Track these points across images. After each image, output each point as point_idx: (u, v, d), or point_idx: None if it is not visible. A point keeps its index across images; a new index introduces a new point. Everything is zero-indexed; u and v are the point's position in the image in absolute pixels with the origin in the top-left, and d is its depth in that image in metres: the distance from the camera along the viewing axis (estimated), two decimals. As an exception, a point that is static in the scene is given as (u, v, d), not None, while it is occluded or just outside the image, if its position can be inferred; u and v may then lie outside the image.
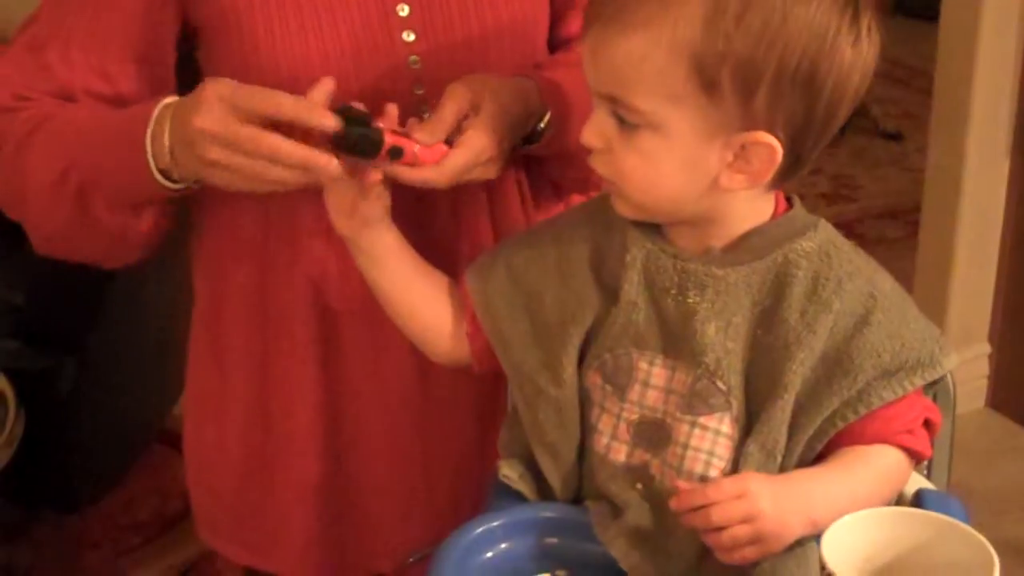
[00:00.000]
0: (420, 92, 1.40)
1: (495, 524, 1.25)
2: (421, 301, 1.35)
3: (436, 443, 1.50)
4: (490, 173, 1.34)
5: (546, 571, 1.24)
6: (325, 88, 1.27)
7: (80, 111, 1.38)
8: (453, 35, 1.41)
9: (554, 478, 1.28)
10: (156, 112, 1.31)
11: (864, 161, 4.18)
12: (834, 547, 1.05)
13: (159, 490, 2.70)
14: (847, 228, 3.74)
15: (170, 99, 1.32)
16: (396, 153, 1.26)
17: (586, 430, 1.27)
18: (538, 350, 1.27)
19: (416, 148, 1.27)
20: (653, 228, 1.26)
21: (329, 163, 1.24)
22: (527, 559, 1.24)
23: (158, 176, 1.31)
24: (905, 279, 3.00)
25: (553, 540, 1.25)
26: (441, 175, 1.29)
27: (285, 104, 1.24)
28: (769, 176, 1.19)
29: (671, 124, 1.17)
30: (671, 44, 1.14)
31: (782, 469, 1.22)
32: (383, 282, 1.35)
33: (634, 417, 1.25)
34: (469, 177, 1.32)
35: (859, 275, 1.24)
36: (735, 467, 1.22)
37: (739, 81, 1.14)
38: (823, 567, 1.04)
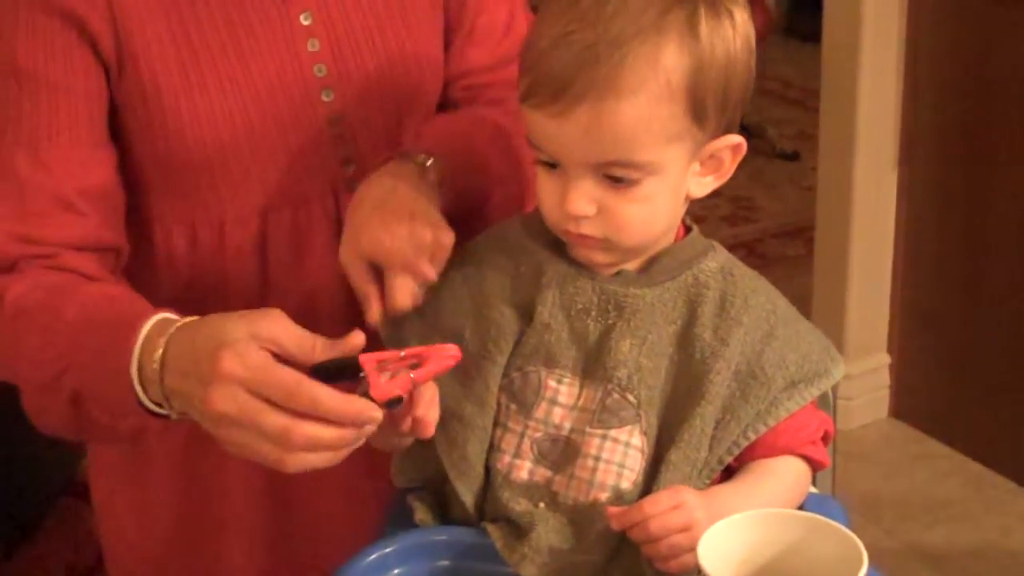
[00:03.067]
0: (343, 151, 1.43)
1: (388, 550, 1.26)
2: None
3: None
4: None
5: (439, 593, 1.26)
6: (358, 342, 1.18)
7: (70, 299, 1.28)
8: (368, 87, 1.42)
9: (467, 497, 1.29)
10: (144, 330, 1.21)
11: (762, 182, 4.24)
12: (710, 551, 1.07)
13: (71, 543, 2.67)
14: (748, 248, 3.78)
15: (158, 316, 1.23)
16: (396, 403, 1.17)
17: (488, 449, 1.29)
18: (460, 386, 1.28)
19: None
20: (566, 252, 1.29)
21: (378, 413, 1.14)
22: (420, 582, 1.26)
23: (148, 404, 1.22)
24: (805, 295, 3.07)
25: (446, 562, 1.27)
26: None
27: (327, 403, 1.12)
28: (733, 170, 1.27)
29: (668, 163, 1.22)
30: (670, 95, 1.19)
31: (698, 479, 1.25)
32: None
33: (538, 435, 1.27)
34: None
35: (760, 292, 1.29)
36: (647, 478, 1.25)
37: (719, 102, 1.21)
38: (699, 571, 1.06)
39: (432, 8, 1.48)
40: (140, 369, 1.20)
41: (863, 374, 3.08)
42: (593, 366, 1.26)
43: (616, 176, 1.21)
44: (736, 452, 1.26)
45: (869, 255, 3.02)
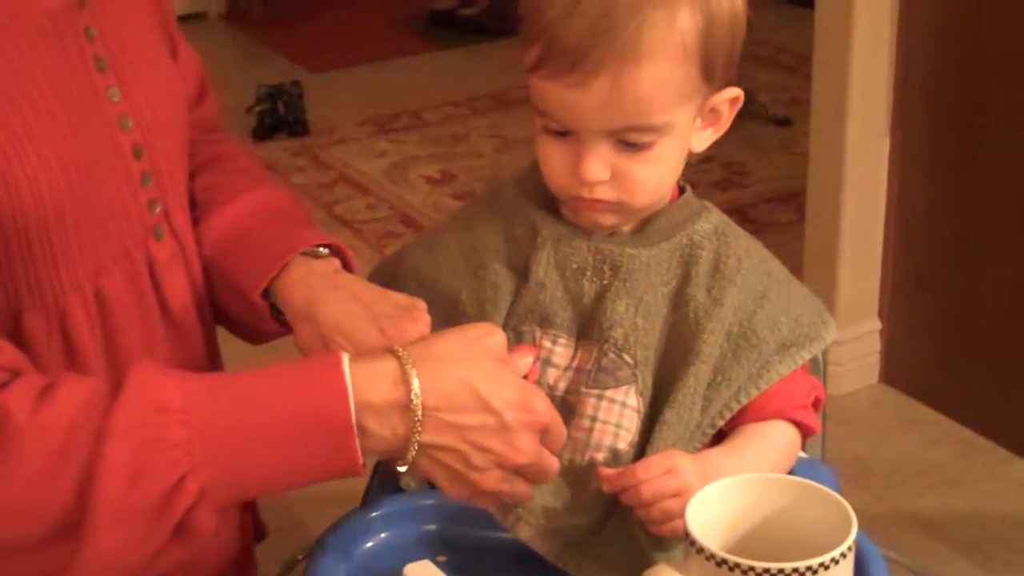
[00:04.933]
0: (150, 189, 1.28)
1: (375, 514, 1.27)
2: None
3: None
4: None
5: (426, 557, 1.25)
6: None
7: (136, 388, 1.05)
8: (156, 110, 1.28)
9: None
10: (348, 376, 1.07)
11: (754, 147, 4.22)
12: (698, 515, 1.07)
13: None
14: (740, 213, 3.78)
15: (346, 357, 1.09)
16: None
17: None
18: None
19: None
20: (560, 212, 1.30)
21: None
22: (408, 546, 1.26)
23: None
24: (796, 260, 3.06)
25: (432, 527, 1.27)
26: None
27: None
28: (730, 122, 1.28)
29: (679, 122, 1.22)
30: (685, 56, 1.19)
31: (690, 440, 1.25)
32: None
33: None
34: None
35: (754, 253, 1.30)
36: (643, 438, 1.25)
37: (724, 58, 1.22)
38: (687, 536, 1.06)
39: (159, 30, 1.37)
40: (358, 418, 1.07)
41: (854, 340, 3.07)
42: (588, 326, 1.26)
43: (632, 140, 1.21)
44: (728, 415, 1.26)
45: (860, 221, 3.01)
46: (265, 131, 4.50)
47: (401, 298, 1.27)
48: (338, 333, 1.22)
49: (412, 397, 1.07)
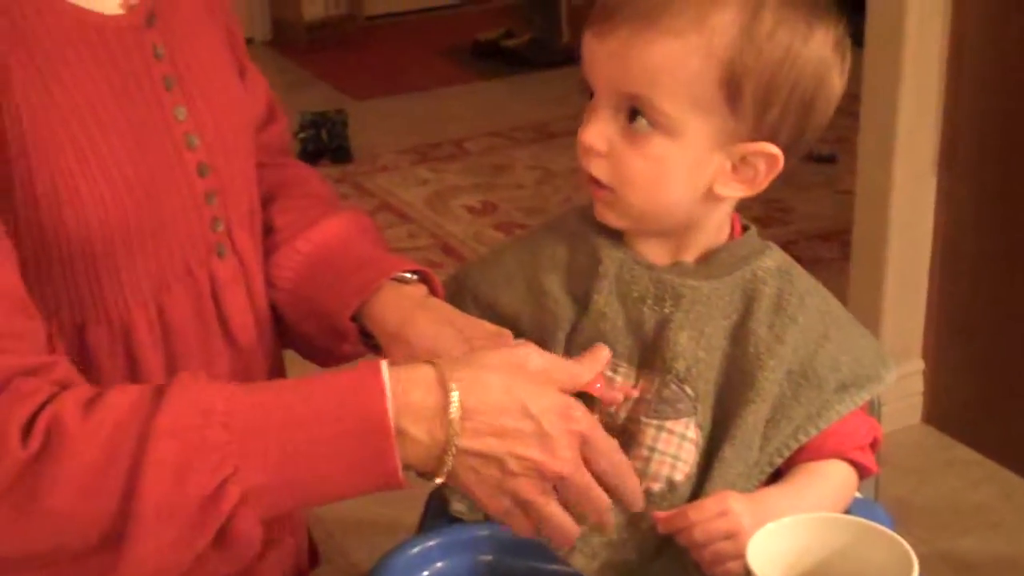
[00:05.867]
0: (214, 208, 1.30)
1: (431, 543, 1.27)
2: None
3: None
4: None
5: (481, 588, 1.26)
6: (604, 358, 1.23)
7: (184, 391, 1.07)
8: (219, 126, 1.30)
9: None
10: (388, 383, 1.07)
11: (796, 184, 4.21)
12: (759, 554, 1.07)
13: None
14: (783, 250, 3.76)
15: (384, 363, 1.10)
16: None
17: None
18: None
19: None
20: (623, 241, 1.29)
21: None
22: (463, 577, 1.26)
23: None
24: (839, 298, 3.04)
25: (488, 558, 1.27)
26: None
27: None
28: (767, 184, 1.25)
29: (688, 130, 1.21)
30: (707, 51, 1.18)
31: (748, 478, 1.25)
32: None
33: None
34: None
35: (816, 293, 1.29)
36: (700, 471, 1.25)
37: (760, 95, 1.20)
38: (748, 574, 1.06)
39: (229, 51, 1.38)
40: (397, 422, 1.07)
41: (896, 380, 3.03)
42: (650, 356, 1.26)
43: (635, 117, 1.21)
44: (787, 454, 1.26)
45: (906, 260, 3.00)
46: (308, 158, 4.52)
47: (489, 326, 1.28)
48: (431, 354, 1.22)
49: (450, 400, 1.08)
